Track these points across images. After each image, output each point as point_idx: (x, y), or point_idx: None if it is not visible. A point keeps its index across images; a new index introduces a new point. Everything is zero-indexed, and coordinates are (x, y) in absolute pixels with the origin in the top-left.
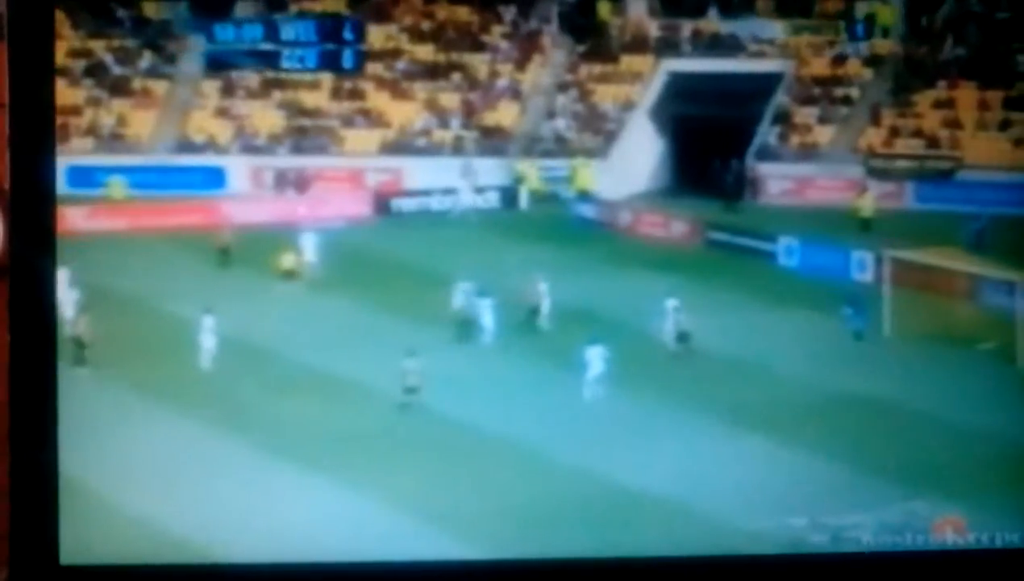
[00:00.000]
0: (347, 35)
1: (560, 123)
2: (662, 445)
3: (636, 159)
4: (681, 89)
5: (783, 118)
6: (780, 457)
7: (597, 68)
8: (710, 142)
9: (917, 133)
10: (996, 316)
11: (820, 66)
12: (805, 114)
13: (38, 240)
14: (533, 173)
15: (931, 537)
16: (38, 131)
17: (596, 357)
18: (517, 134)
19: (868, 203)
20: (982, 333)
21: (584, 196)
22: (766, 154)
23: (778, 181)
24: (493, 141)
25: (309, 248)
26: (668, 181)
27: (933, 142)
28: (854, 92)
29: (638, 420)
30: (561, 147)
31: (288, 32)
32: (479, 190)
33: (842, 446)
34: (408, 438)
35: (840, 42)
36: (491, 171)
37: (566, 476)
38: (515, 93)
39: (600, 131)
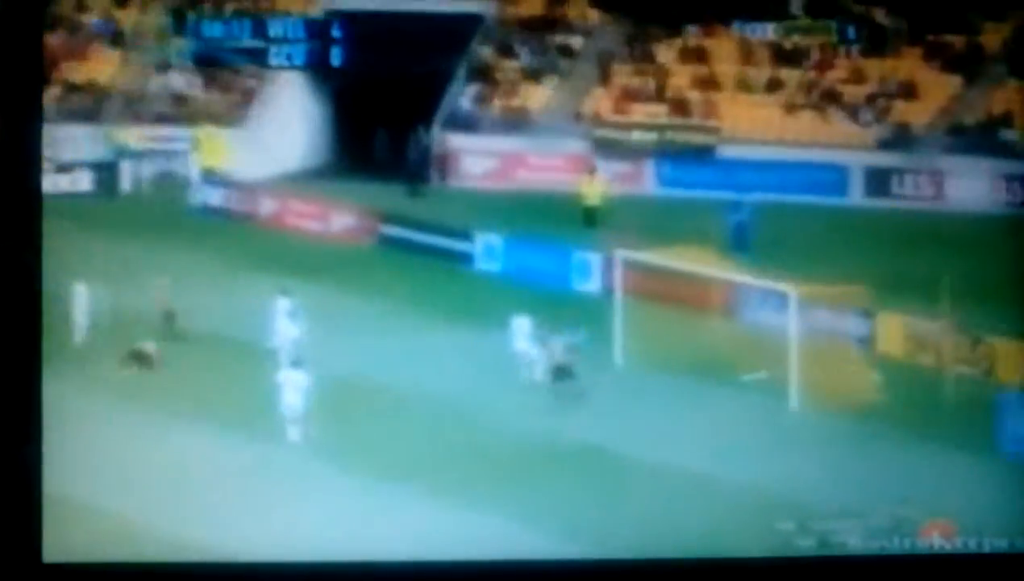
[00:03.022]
0: (335, 32)
1: (178, 78)
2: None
3: (284, 128)
4: (346, 36)
5: (482, 74)
6: (467, 519)
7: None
8: (385, 106)
9: (659, 95)
10: (763, 337)
11: (531, 6)
12: (511, 69)
13: (21, 236)
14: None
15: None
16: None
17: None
18: (116, 92)
19: (595, 188)
20: (746, 360)
21: (211, 177)
22: (460, 122)
23: (476, 158)
24: (83, 102)
25: None
26: (328, 158)
27: (681, 107)
28: (576, 40)
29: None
30: (179, 110)
31: (276, 29)
32: (63, 168)
33: (547, 511)
34: None
35: None
36: (80, 142)
37: None
38: (114, 36)
39: (233, 89)
